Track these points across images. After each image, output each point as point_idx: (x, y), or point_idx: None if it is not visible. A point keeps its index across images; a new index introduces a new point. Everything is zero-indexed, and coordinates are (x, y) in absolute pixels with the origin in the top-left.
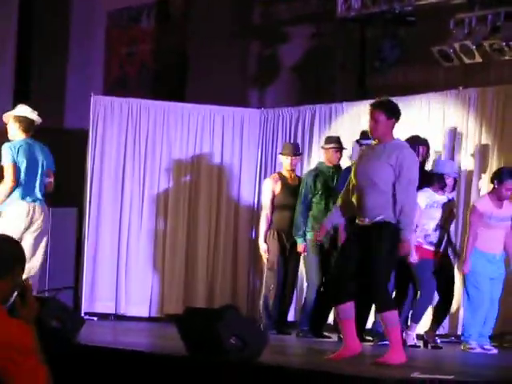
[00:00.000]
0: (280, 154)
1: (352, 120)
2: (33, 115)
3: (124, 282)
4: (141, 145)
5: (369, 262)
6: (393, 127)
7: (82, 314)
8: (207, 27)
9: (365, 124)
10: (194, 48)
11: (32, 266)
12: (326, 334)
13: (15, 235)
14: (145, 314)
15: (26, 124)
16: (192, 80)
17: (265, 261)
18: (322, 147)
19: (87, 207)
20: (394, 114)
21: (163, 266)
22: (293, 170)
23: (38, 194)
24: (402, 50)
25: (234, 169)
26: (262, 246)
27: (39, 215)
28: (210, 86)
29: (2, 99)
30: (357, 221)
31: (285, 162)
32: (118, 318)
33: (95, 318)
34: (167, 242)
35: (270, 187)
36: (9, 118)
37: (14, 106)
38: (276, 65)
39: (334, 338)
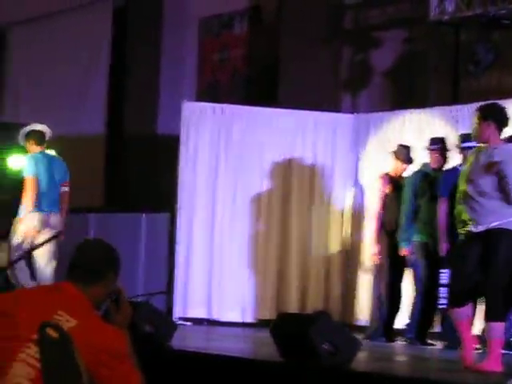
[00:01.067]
0: (395, 157)
1: (446, 124)
2: (42, 127)
3: (217, 286)
4: (233, 149)
5: (485, 270)
6: (500, 131)
7: (175, 319)
8: (299, 32)
9: (461, 128)
10: (286, 52)
11: (45, 272)
12: (430, 341)
13: (30, 243)
14: (238, 319)
15: (36, 138)
16: (284, 84)
17: (372, 263)
18: (427, 148)
19: (179, 212)
20: (500, 118)
21: (256, 270)
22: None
23: (54, 204)
24: (497, 53)
25: (326, 173)
26: (373, 249)
27: (54, 224)
28: (302, 91)
29: (96, 106)
30: (469, 228)
31: (397, 166)
32: (211, 323)
33: (188, 323)
34: (260, 246)
35: (381, 187)
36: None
37: (108, 116)
38: (368, 69)
39: (439, 345)
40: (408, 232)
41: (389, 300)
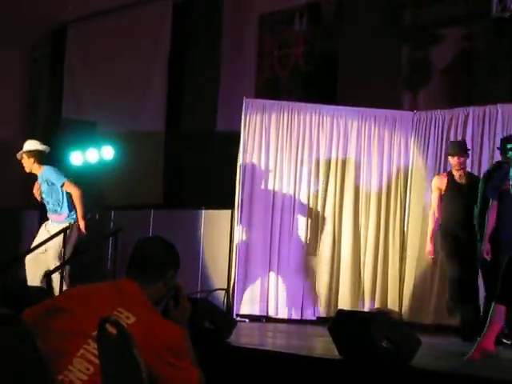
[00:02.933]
0: (448, 154)
1: (507, 122)
2: (42, 147)
3: (275, 284)
4: (292, 147)
5: None
6: None
7: (234, 316)
8: (359, 29)
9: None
10: (345, 50)
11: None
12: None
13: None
14: (297, 316)
15: (39, 157)
16: (343, 82)
17: (429, 260)
18: (498, 148)
19: (239, 210)
20: None
21: (314, 268)
22: (462, 169)
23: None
24: None
25: (386, 171)
26: (428, 247)
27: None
28: (362, 88)
29: (157, 103)
30: None
31: (452, 162)
32: (270, 320)
33: (247, 320)
34: (319, 244)
35: (437, 185)
36: (22, 155)
37: (167, 113)
38: (428, 67)
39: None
40: (480, 232)
41: (460, 298)
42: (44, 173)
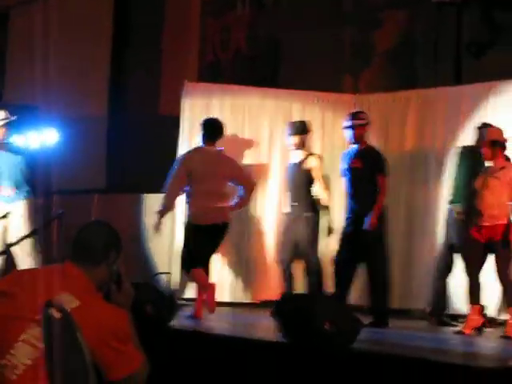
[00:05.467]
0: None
1: (449, 106)
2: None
3: (219, 267)
4: (235, 130)
5: None
6: None
7: (177, 300)
8: (301, 13)
9: None
10: (287, 33)
11: None
12: None
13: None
14: (241, 299)
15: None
16: (285, 65)
17: None
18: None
19: None
20: None
21: (259, 249)
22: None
23: None
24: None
25: (327, 154)
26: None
27: None
28: (304, 72)
29: (99, 88)
30: None
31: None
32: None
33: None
34: (262, 223)
35: None
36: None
37: (110, 98)
38: (370, 50)
39: None
40: None
41: None
42: None
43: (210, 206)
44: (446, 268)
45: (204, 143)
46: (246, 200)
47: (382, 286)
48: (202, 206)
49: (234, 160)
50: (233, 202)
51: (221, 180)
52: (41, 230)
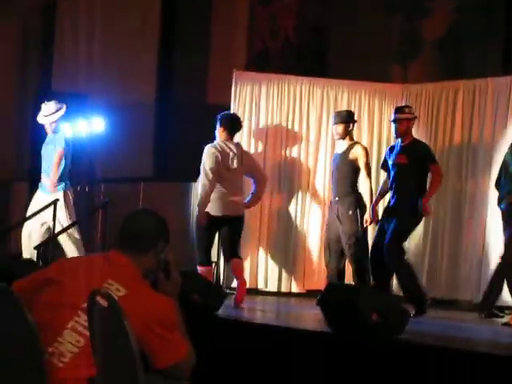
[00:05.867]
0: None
1: (497, 96)
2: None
3: (265, 257)
4: (282, 119)
5: None
6: None
7: (224, 289)
8: (350, 2)
9: None
10: (336, 23)
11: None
12: None
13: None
14: (286, 289)
15: None
16: (333, 55)
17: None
18: None
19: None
20: None
21: (304, 241)
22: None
23: None
24: None
25: (375, 144)
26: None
27: None
28: (351, 61)
29: (147, 75)
30: None
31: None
32: (259, 293)
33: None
34: (308, 217)
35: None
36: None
37: (158, 85)
38: (418, 40)
39: None
40: None
41: None
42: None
43: (230, 199)
44: None
45: (225, 137)
46: (259, 194)
47: (408, 277)
48: (222, 199)
49: (250, 153)
50: (246, 199)
51: (240, 174)
52: (86, 219)
